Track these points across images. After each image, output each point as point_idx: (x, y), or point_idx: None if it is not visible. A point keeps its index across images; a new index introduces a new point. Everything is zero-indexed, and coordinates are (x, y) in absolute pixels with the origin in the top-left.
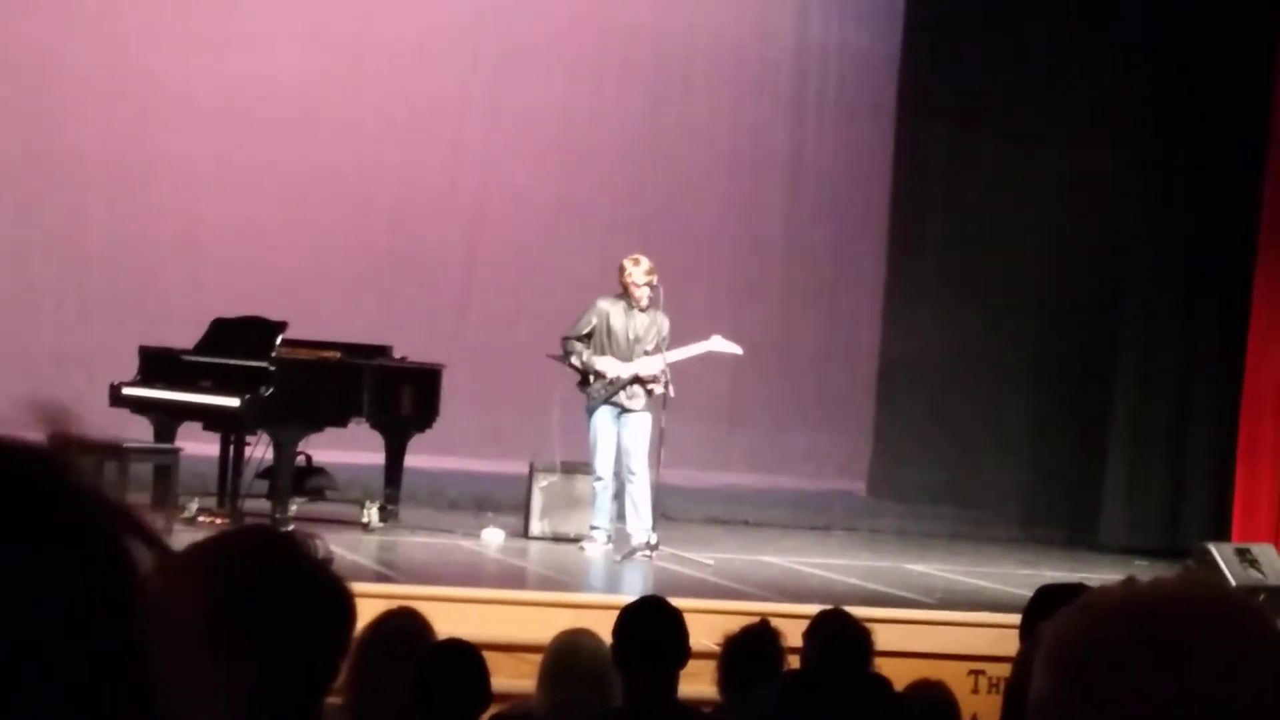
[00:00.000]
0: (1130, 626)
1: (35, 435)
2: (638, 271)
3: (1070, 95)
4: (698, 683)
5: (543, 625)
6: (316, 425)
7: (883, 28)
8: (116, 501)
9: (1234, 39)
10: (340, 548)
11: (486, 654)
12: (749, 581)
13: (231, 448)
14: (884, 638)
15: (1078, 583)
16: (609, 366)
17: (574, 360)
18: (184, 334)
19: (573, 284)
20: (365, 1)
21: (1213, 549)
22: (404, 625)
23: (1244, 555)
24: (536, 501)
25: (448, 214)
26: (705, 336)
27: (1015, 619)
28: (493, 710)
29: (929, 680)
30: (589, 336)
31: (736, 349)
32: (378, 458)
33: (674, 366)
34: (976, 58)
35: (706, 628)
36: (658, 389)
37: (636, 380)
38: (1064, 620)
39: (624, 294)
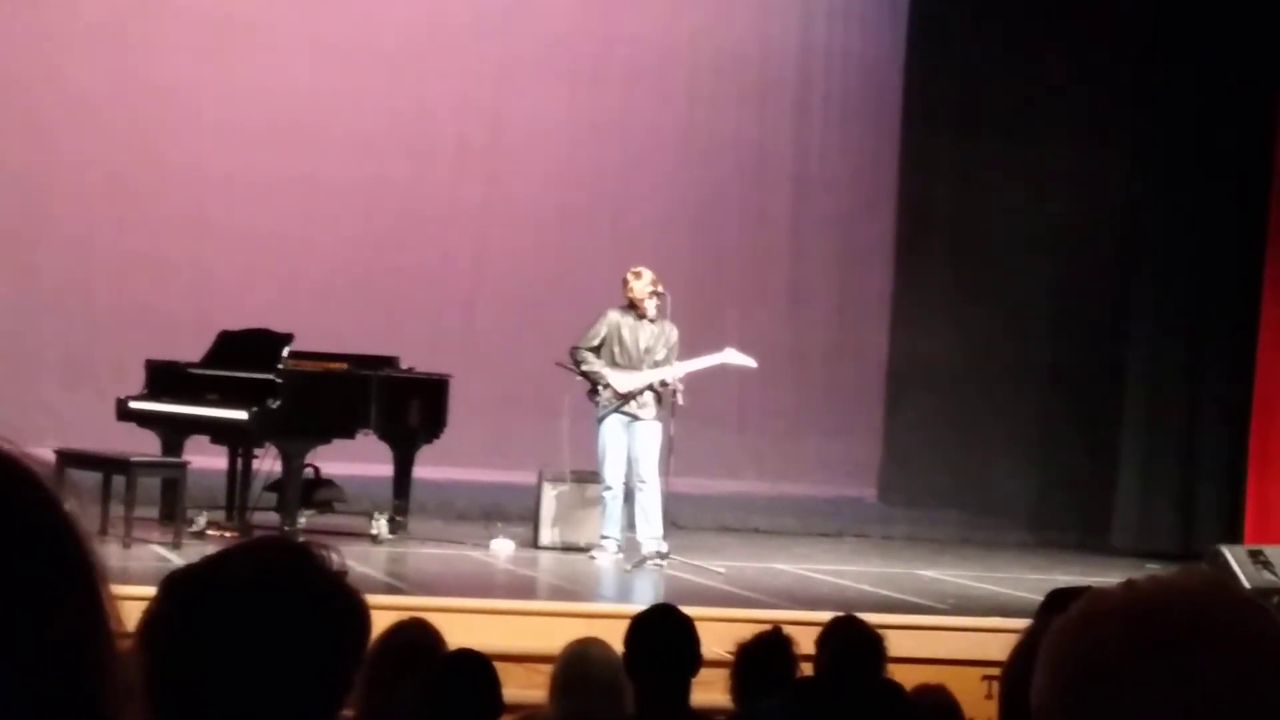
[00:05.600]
0: (1130, 629)
1: None
2: (640, 284)
3: (1076, 99)
4: (710, 691)
5: (554, 635)
6: (324, 437)
7: (887, 33)
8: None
9: (1240, 42)
10: (350, 560)
11: (498, 664)
12: (760, 589)
13: (239, 460)
14: (896, 644)
15: (1088, 585)
16: (618, 381)
17: (584, 369)
18: (190, 346)
19: (580, 293)
20: (370, 13)
21: (1225, 551)
22: (415, 636)
23: (1257, 557)
24: (546, 511)
25: (454, 224)
26: (718, 347)
27: (1028, 624)
28: None
29: (930, 685)
30: (599, 347)
31: (750, 362)
32: (386, 469)
33: (687, 374)
34: (981, 62)
35: (718, 636)
36: (680, 397)
37: (650, 388)
38: (1064, 624)
39: (631, 306)
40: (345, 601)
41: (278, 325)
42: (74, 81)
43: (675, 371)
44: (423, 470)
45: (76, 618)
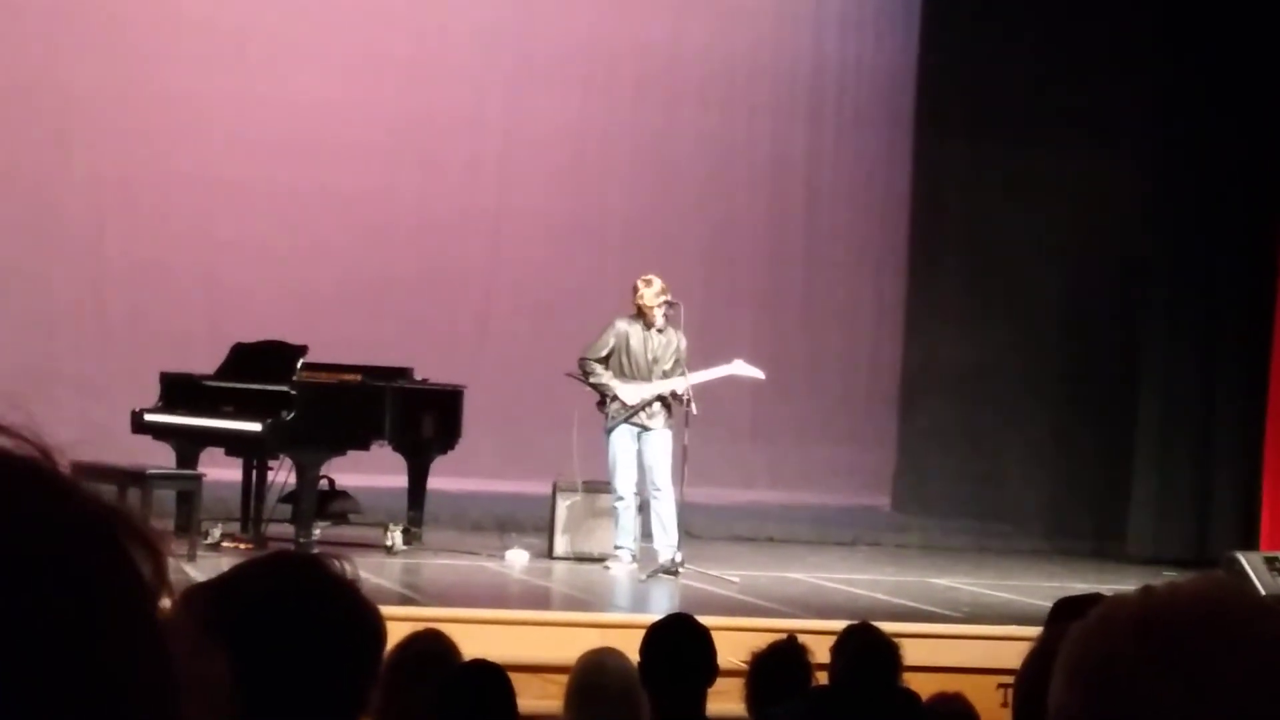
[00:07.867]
0: (1146, 635)
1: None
2: (650, 293)
3: (1087, 105)
4: (726, 700)
5: (569, 645)
6: (338, 449)
7: (899, 42)
8: (113, 504)
9: (1251, 49)
10: (364, 571)
11: (513, 675)
12: (775, 598)
13: (254, 472)
14: (912, 652)
15: (1097, 594)
16: (627, 394)
17: (592, 381)
18: (204, 359)
19: (592, 302)
20: (381, 23)
21: (1241, 558)
22: (430, 646)
23: (1273, 564)
24: (560, 521)
25: (466, 234)
26: (730, 356)
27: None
28: None
29: (947, 693)
30: (607, 358)
31: (759, 374)
32: (400, 480)
33: (696, 385)
34: (993, 71)
35: (733, 645)
36: (694, 406)
37: (659, 399)
38: (1081, 631)
39: (640, 315)
40: (359, 614)
41: (291, 337)
42: (85, 93)
43: (684, 383)
44: (437, 481)
45: (103, 635)
